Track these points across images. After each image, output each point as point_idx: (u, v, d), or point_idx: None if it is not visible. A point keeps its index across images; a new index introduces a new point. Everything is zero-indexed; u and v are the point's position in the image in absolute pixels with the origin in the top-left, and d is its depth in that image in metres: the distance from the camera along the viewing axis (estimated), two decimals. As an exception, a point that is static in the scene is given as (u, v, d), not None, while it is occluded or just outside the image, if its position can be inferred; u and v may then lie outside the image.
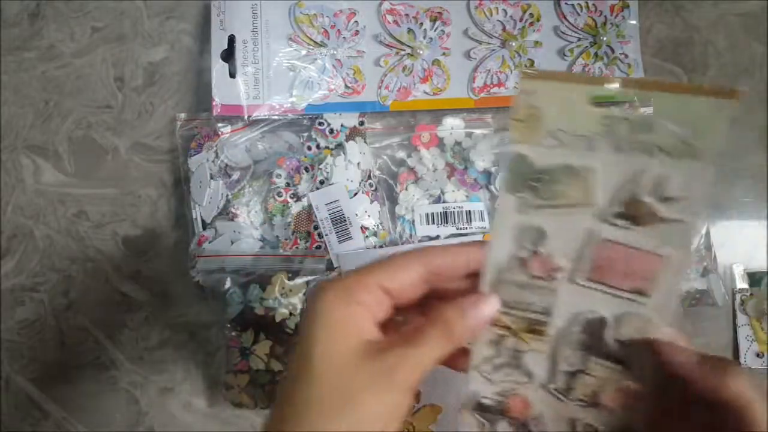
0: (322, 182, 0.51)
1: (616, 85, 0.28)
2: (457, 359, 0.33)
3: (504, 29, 0.54)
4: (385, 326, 0.30)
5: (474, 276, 0.31)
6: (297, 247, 0.51)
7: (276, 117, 0.53)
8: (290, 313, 0.49)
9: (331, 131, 0.52)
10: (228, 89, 0.53)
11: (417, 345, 0.28)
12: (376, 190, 0.53)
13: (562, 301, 0.31)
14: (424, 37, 0.54)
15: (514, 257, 0.31)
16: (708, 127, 0.28)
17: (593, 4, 0.55)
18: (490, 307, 0.30)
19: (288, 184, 0.52)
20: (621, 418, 0.31)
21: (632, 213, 0.29)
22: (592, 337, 0.31)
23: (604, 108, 0.28)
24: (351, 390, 0.26)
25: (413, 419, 0.52)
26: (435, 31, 0.54)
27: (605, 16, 0.55)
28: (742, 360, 0.53)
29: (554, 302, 0.31)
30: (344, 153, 0.51)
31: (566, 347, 0.31)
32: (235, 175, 0.53)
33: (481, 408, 0.33)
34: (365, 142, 0.53)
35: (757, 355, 0.53)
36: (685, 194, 0.29)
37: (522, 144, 0.29)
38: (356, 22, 0.54)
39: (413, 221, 0.52)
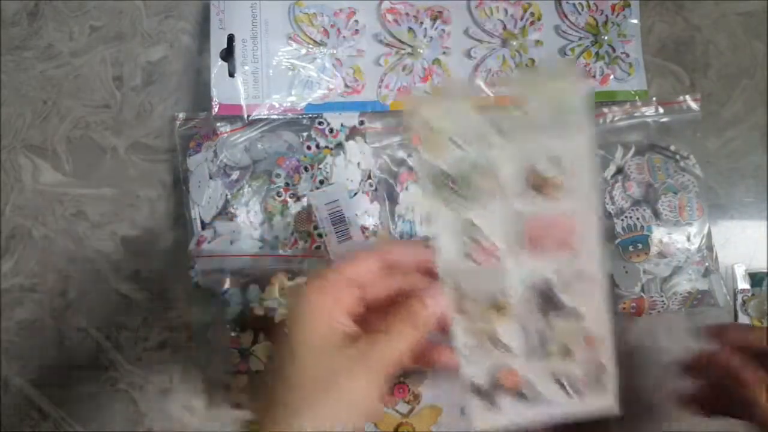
0: (321, 182, 0.51)
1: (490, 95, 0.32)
2: (441, 356, 0.36)
3: (504, 28, 0.54)
4: (359, 320, 0.33)
5: (431, 271, 0.34)
6: (297, 247, 0.51)
7: (275, 116, 0.53)
8: (290, 314, 0.49)
9: (331, 131, 0.52)
10: (227, 88, 0.52)
11: (386, 333, 0.31)
12: (376, 190, 0.53)
13: (510, 275, 0.35)
14: (425, 36, 0.54)
15: (460, 251, 0.34)
16: (575, 105, 0.33)
17: (594, 3, 0.54)
18: (444, 297, 0.33)
19: (287, 184, 0.52)
20: (592, 362, 0.36)
21: (540, 188, 0.34)
22: (545, 297, 0.36)
23: (488, 113, 0.33)
24: (330, 375, 0.30)
25: (413, 420, 0.52)
26: (435, 30, 0.54)
27: (606, 15, 0.55)
28: (743, 360, 0.53)
29: (505, 279, 0.35)
30: (344, 153, 0.51)
31: (528, 313, 0.36)
32: (235, 175, 0.52)
33: (478, 390, 0.36)
34: (365, 141, 0.53)
35: (759, 356, 0.53)
36: (575, 163, 0.33)
37: (430, 157, 0.34)
38: (356, 21, 0.54)
39: (413, 221, 0.52)
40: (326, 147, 0.52)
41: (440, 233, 0.35)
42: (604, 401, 0.37)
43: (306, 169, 0.52)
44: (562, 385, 0.37)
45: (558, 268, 0.36)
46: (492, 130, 0.34)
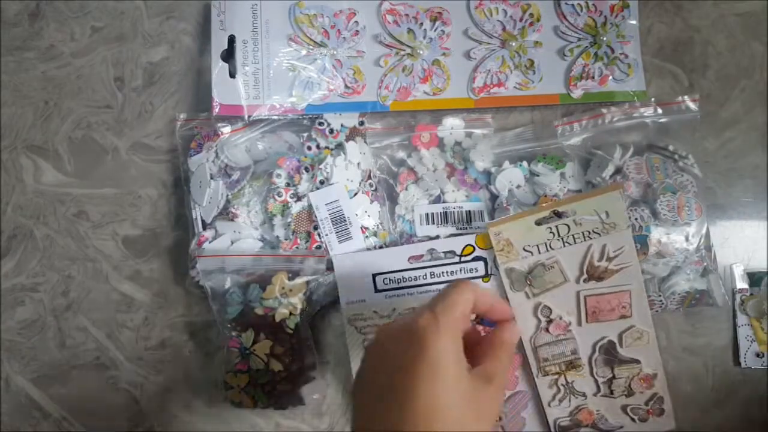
0: (322, 182, 0.51)
1: (547, 212, 0.44)
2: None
3: (504, 29, 0.54)
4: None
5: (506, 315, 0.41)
6: (297, 247, 0.51)
7: (276, 117, 0.53)
8: (290, 313, 0.49)
9: (331, 131, 0.52)
10: (228, 89, 0.53)
11: (494, 358, 0.38)
12: (376, 190, 0.53)
13: (580, 341, 0.46)
14: (424, 37, 0.54)
15: (539, 327, 0.45)
16: (612, 210, 0.45)
17: (593, 4, 0.55)
18: (519, 329, 0.42)
19: (288, 184, 0.52)
20: (651, 395, 0.48)
21: (595, 275, 0.45)
22: (610, 353, 0.47)
23: (545, 225, 0.45)
24: (469, 391, 0.35)
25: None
26: (435, 31, 0.54)
27: (605, 16, 0.55)
28: (741, 360, 0.53)
29: (576, 344, 0.46)
30: (344, 153, 0.51)
31: (597, 367, 0.47)
32: (235, 175, 0.53)
33: (562, 429, 0.49)
34: (365, 142, 0.53)
35: (758, 355, 0.53)
36: (619, 251, 0.45)
37: (508, 262, 0.45)
38: (356, 22, 0.54)
39: (413, 221, 0.52)
40: (326, 147, 0.52)
41: (522, 316, 0.44)
42: (665, 423, 0.49)
43: (306, 169, 0.52)
44: (629, 416, 0.48)
45: (617, 330, 0.46)
46: (552, 237, 0.45)
